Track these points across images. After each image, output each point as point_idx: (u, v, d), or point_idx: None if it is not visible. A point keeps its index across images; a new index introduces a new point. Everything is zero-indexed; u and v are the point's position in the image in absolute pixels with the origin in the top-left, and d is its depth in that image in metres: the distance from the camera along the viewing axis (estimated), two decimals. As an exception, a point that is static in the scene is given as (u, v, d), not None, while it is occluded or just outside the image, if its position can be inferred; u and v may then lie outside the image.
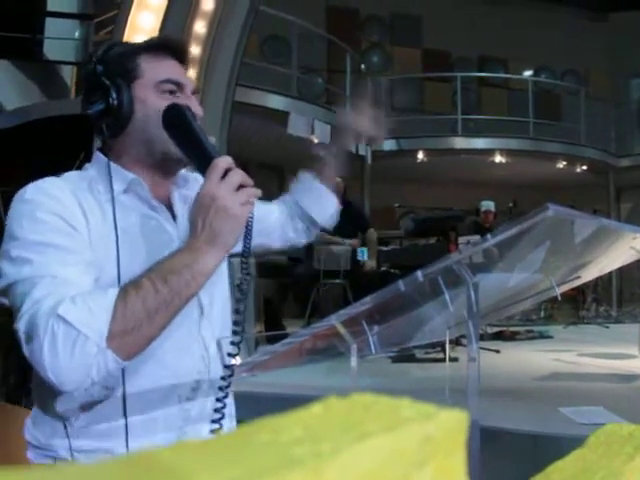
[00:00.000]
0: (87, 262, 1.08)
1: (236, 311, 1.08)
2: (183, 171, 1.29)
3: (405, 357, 4.52)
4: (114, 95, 1.17)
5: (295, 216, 1.58)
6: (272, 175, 10.49)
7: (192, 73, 4.31)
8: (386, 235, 7.24)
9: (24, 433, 1.17)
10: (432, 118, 11.51)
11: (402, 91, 12.12)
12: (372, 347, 0.89)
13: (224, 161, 1.06)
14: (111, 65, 1.20)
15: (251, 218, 1.07)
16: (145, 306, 0.99)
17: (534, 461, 2.49)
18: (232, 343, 1.00)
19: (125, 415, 1.10)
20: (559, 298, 0.94)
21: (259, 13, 4.85)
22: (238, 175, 1.05)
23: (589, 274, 1.13)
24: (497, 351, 5.06)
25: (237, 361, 1.07)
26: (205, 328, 1.20)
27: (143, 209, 1.20)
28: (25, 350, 0.99)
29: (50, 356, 0.96)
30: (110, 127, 1.19)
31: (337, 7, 12.26)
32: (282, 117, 7.80)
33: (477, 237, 6.03)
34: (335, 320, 0.80)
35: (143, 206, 1.20)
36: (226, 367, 1.00)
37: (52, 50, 6.05)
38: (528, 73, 13.18)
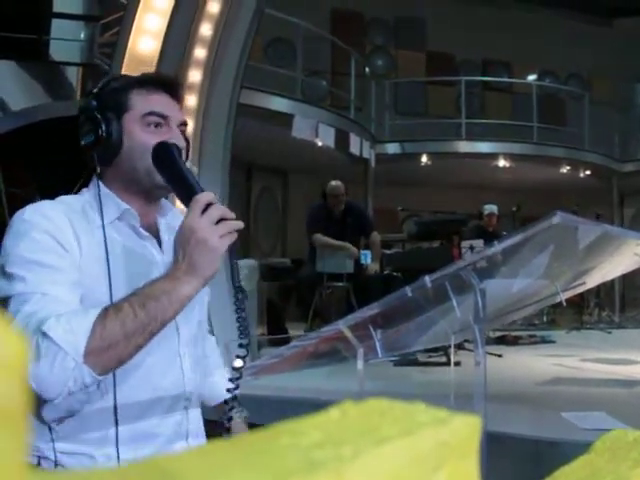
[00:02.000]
0: (73, 282, 1.17)
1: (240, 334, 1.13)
2: (165, 200, 1.40)
3: (408, 361, 4.52)
4: (103, 128, 1.26)
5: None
6: (276, 177, 10.51)
7: (197, 75, 4.32)
8: (389, 238, 7.24)
9: None
10: (436, 122, 11.51)
11: (406, 94, 12.12)
12: (378, 351, 0.90)
13: (205, 196, 1.14)
14: (105, 99, 1.29)
15: (233, 247, 1.13)
16: (123, 328, 1.07)
17: (536, 466, 2.49)
18: (240, 345, 1.02)
19: (116, 424, 1.18)
20: (564, 304, 0.95)
21: (264, 16, 4.87)
22: (218, 209, 1.12)
23: (593, 280, 1.13)
24: (499, 355, 5.06)
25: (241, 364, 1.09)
26: (182, 346, 1.29)
27: (132, 237, 1.29)
28: None
29: (33, 367, 1.04)
30: (100, 158, 1.28)
31: (342, 10, 12.28)
32: (286, 120, 7.81)
33: (480, 241, 6.02)
34: (342, 324, 0.81)
35: (132, 234, 1.29)
36: (234, 369, 1.01)
37: (58, 51, 6.06)
38: (532, 77, 13.18)
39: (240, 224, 1.14)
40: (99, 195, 1.26)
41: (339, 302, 6.12)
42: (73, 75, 7.12)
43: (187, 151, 1.34)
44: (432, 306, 0.89)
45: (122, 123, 1.28)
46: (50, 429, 1.18)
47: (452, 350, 1.06)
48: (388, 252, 6.62)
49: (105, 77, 1.40)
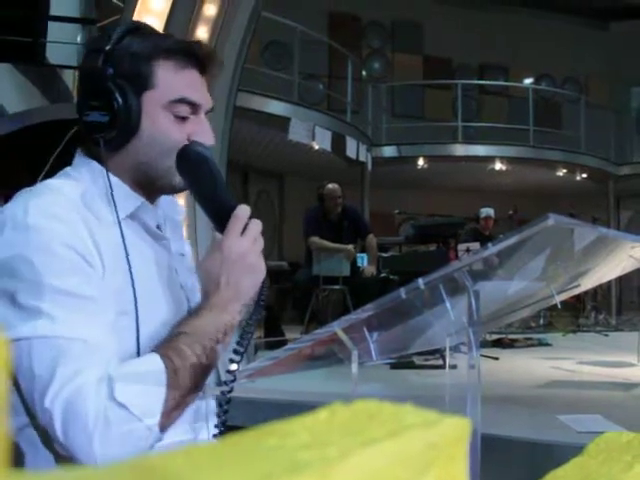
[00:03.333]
0: (107, 312, 0.94)
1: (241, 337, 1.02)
2: None
3: (404, 363, 4.52)
4: (121, 105, 1.00)
5: None
6: (272, 180, 10.51)
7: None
8: (386, 241, 7.25)
9: None
10: (433, 125, 11.54)
11: (403, 98, 12.15)
12: (373, 354, 0.90)
13: (244, 211, 0.99)
14: (121, 64, 1.01)
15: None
16: (193, 380, 0.93)
17: (532, 468, 2.49)
18: (235, 352, 1.00)
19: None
20: (559, 306, 0.95)
21: (261, 19, 4.87)
22: (257, 225, 1.00)
23: (589, 282, 1.13)
24: (496, 358, 5.06)
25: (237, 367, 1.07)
26: None
27: (145, 237, 1.08)
28: (60, 433, 0.85)
29: (102, 444, 0.85)
30: (108, 141, 1.01)
31: (339, 13, 12.30)
32: (283, 123, 7.81)
33: (477, 244, 6.04)
34: (336, 326, 0.81)
35: (145, 234, 1.08)
36: (228, 372, 0.99)
37: (54, 54, 6.06)
38: (528, 81, 13.22)
39: (262, 241, 1.03)
40: (110, 187, 1.01)
41: (336, 305, 6.12)
42: (70, 78, 7.12)
43: None
44: (426, 308, 0.89)
45: (141, 101, 1.02)
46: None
47: (447, 353, 1.06)
48: (384, 255, 6.62)
49: (117, 28, 1.04)
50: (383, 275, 6.09)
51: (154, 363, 0.91)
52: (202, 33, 4.29)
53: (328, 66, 11.62)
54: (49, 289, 0.88)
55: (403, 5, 12.27)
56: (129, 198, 1.04)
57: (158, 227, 1.11)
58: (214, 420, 1.05)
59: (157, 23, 4.12)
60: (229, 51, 4.41)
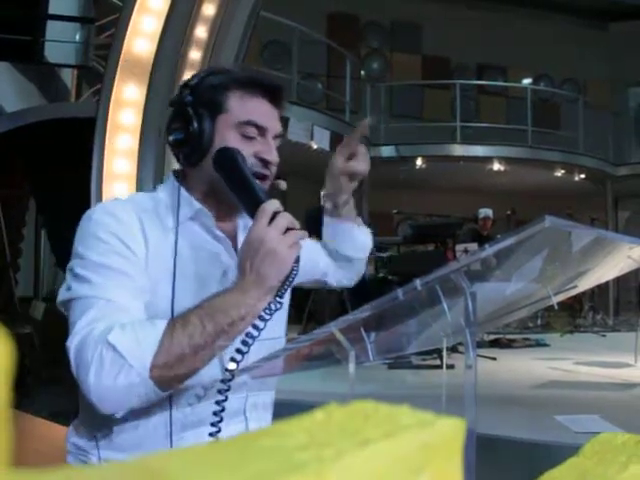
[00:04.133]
0: (140, 288, 1.12)
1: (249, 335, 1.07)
2: None
3: (401, 364, 4.53)
4: (195, 126, 1.18)
5: (335, 259, 1.58)
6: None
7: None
8: (384, 241, 7.25)
9: (66, 440, 1.22)
10: (431, 125, 11.55)
11: (401, 98, 12.16)
12: (370, 354, 0.90)
13: (272, 205, 1.08)
14: (201, 95, 1.20)
15: (296, 264, 1.08)
16: (191, 342, 1.03)
17: (530, 469, 2.49)
18: (237, 351, 1.01)
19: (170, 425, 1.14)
20: (556, 307, 0.95)
21: (260, 18, 4.87)
22: (285, 219, 1.08)
23: (586, 283, 1.14)
24: (494, 359, 5.07)
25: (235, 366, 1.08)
26: None
27: (206, 239, 1.22)
28: (73, 367, 1.04)
29: (95, 379, 1.00)
30: (187, 157, 1.21)
31: (337, 13, 12.31)
32: (281, 122, 7.80)
33: (475, 244, 6.04)
34: (334, 327, 0.81)
35: (207, 235, 1.22)
36: (227, 371, 1.00)
37: (53, 53, 6.05)
38: (527, 81, 13.24)
39: (305, 234, 1.10)
40: (178, 195, 1.21)
41: (333, 305, 6.13)
42: (68, 77, 7.12)
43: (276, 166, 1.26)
44: (424, 309, 0.89)
45: (215, 124, 1.20)
46: (95, 436, 1.15)
47: (445, 353, 1.06)
48: (383, 255, 6.63)
49: (203, 70, 1.29)
50: (381, 275, 6.09)
51: (158, 322, 1.05)
52: (201, 32, 4.29)
53: (327, 66, 11.63)
54: (93, 264, 1.11)
55: (402, 5, 12.28)
56: (190, 204, 1.21)
57: (231, 235, 1.25)
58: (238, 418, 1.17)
59: (156, 22, 4.12)
60: (228, 51, 4.41)
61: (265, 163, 1.22)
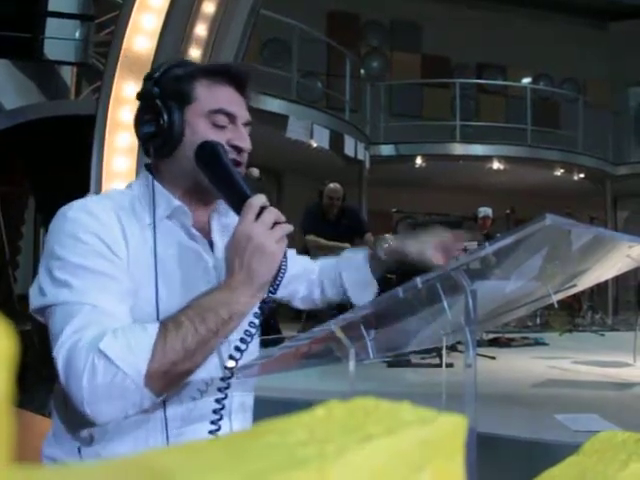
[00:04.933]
0: (125, 291, 1.08)
1: (248, 330, 1.08)
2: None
3: (401, 362, 4.53)
4: (165, 118, 1.17)
5: (331, 281, 1.55)
6: (270, 178, 10.50)
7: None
8: (383, 240, 7.23)
9: (42, 448, 1.17)
10: (431, 124, 11.54)
11: (401, 96, 12.15)
12: (370, 352, 0.90)
13: (259, 200, 1.07)
14: (167, 86, 1.19)
15: (284, 259, 1.07)
16: (184, 346, 1.00)
17: (529, 467, 2.49)
18: (236, 348, 1.01)
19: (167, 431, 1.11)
20: (556, 305, 0.95)
21: (260, 16, 4.87)
22: (272, 213, 1.06)
23: (585, 282, 1.14)
24: (493, 357, 5.07)
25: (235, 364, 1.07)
26: None
27: (183, 237, 1.19)
28: (62, 380, 1.00)
29: (89, 390, 0.97)
30: (158, 149, 1.19)
31: (337, 12, 12.30)
32: (281, 121, 7.81)
33: (474, 243, 6.04)
34: (334, 324, 0.81)
35: (183, 234, 1.20)
36: (226, 369, 1.00)
37: (52, 50, 6.05)
38: (527, 80, 13.23)
39: (291, 227, 1.07)
40: (153, 191, 1.17)
41: (333, 303, 6.11)
42: (68, 74, 7.11)
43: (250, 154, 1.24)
44: (424, 307, 0.89)
45: (184, 115, 1.18)
46: (79, 448, 1.10)
47: (444, 351, 1.06)
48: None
49: (166, 62, 1.26)
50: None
51: (149, 327, 1.02)
52: (201, 30, 4.29)
53: (327, 64, 11.63)
54: (73, 266, 1.05)
55: (402, 4, 12.27)
56: (168, 202, 1.18)
57: (204, 228, 1.23)
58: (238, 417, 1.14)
59: (155, 20, 4.12)
60: (227, 48, 4.40)
61: (238, 150, 1.20)
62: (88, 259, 1.06)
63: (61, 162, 4.88)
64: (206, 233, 1.23)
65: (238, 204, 1.08)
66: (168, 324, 1.02)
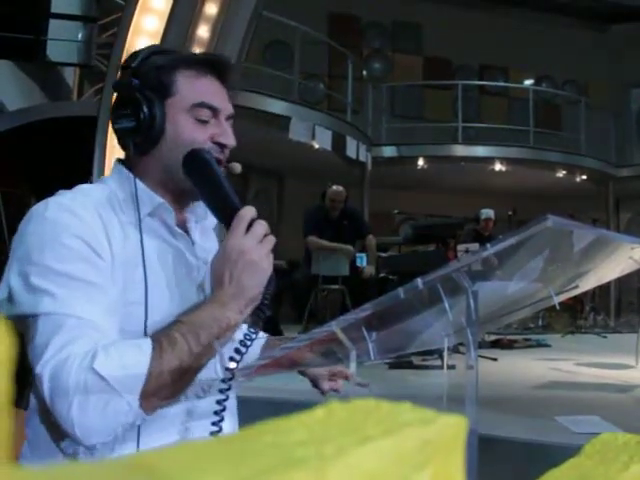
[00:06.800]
0: (112, 301, 1.01)
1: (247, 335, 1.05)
2: None
3: (402, 363, 4.52)
4: (145, 112, 1.09)
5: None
6: (272, 180, 10.51)
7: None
8: (385, 241, 7.25)
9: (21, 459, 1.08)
10: (432, 125, 11.54)
11: (403, 98, 12.16)
12: (371, 353, 0.90)
13: (249, 212, 1.04)
14: (146, 77, 1.11)
15: (273, 271, 1.05)
16: (180, 365, 0.97)
17: (529, 469, 2.49)
18: (236, 350, 1.00)
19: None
20: (557, 307, 0.95)
21: (262, 18, 4.88)
22: (262, 226, 1.04)
23: (587, 284, 1.13)
24: (494, 359, 5.06)
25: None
26: None
27: (165, 235, 1.14)
28: (47, 398, 0.92)
29: (79, 412, 0.91)
30: (137, 145, 1.11)
31: (339, 14, 12.30)
32: (283, 122, 7.82)
33: (476, 245, 6.03)
34: (335, 326, 0.81)
35: (165, 232, 1.14)
36: (227, 370, 1.00)
37: (55, 52, 6.06)
38: (529, 82, 13.23)
39: (274, 240, 1.04)
40: (135, 188, 1.10)
41: (334, 304, 6.12)
42: (70, 76, 7.12)
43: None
44: (425, 308, 0.89)
45: (165, 108, 1.11)
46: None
47: (445, 353, 1.06)
48: (384, 255, 6.62)
49: (144, 49, 1.16)
50: (382, 275, 6.09)
51: (143, 344, 0.96)
52: (203, 32, 4.29)
53: (328, 66, 11.63)
54: (55, 273, 0.97)
55: (403, 6, 12.27)
56: (150, 199, 1.11)
57: (182, 227, 1.17)
58: (209, 420, 1.05)
59: (158, 21, 4.12)
60: (230, 50, 4.41)
61: (222, 147, 1.15)
62: (72, 266, 0.98)
63: (63, 163, 4.89)
64: (185, 230, 1.18)
65: (227, 215, 1.05)
66: (162, 342, 0.97)
